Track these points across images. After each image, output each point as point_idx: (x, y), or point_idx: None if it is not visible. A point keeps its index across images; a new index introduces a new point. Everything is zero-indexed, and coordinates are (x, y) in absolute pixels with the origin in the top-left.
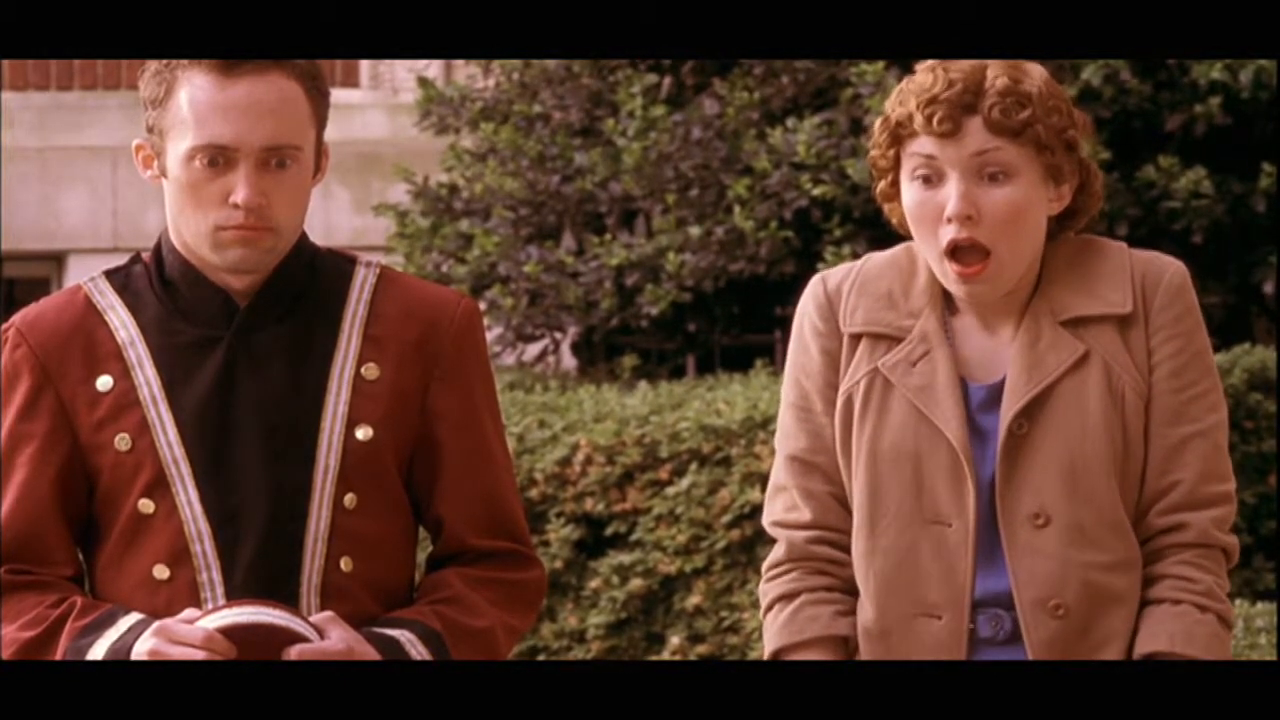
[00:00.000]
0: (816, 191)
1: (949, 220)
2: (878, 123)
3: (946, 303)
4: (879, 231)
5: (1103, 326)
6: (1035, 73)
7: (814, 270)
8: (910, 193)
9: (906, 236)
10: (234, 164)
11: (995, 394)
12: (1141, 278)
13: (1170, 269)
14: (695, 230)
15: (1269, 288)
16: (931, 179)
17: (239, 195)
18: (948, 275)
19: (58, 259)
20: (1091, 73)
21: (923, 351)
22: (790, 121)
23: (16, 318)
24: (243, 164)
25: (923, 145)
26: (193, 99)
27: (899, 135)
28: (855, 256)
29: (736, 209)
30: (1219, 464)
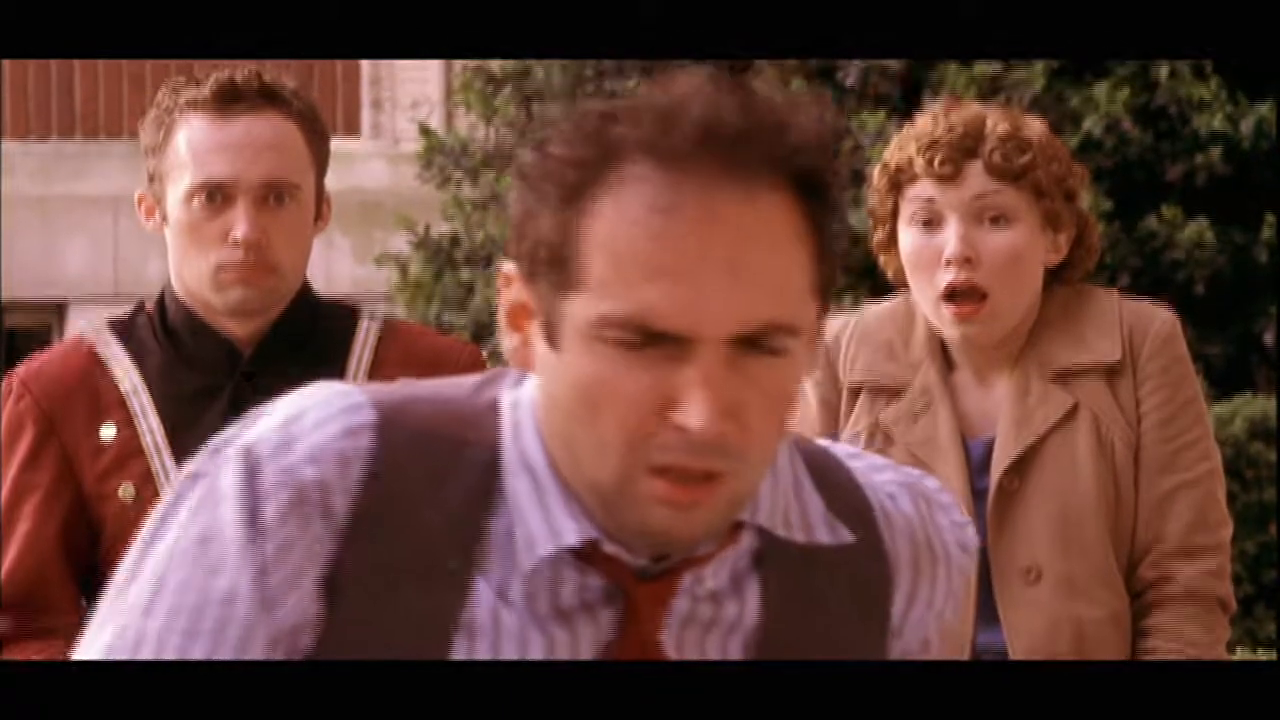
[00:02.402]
0: None
1: (948, 263)
2: (876, 170)
3: (945, 356)
4: (879, 281)
5: (1091, 377)
6: (1034, 123)
7: None
8: (909, 237)
9: (903, 288)
10: (232, 200)
11: (988, 450)
12: (1130, 327)
13: (1159, 318)
14: None
15: (1269, 338)
16: (931, 222)
17: (238, 231)
18: (943, 318)
19: (59, 308)
20: (1092, 123)
21: (924, 405)
22: None
23: (20, 369)
24: (240, 200)
25: (923, 189)
26: (190, 139)
27: (898, 181)
28: (856, 306)
29: None
30: (1210, 513)
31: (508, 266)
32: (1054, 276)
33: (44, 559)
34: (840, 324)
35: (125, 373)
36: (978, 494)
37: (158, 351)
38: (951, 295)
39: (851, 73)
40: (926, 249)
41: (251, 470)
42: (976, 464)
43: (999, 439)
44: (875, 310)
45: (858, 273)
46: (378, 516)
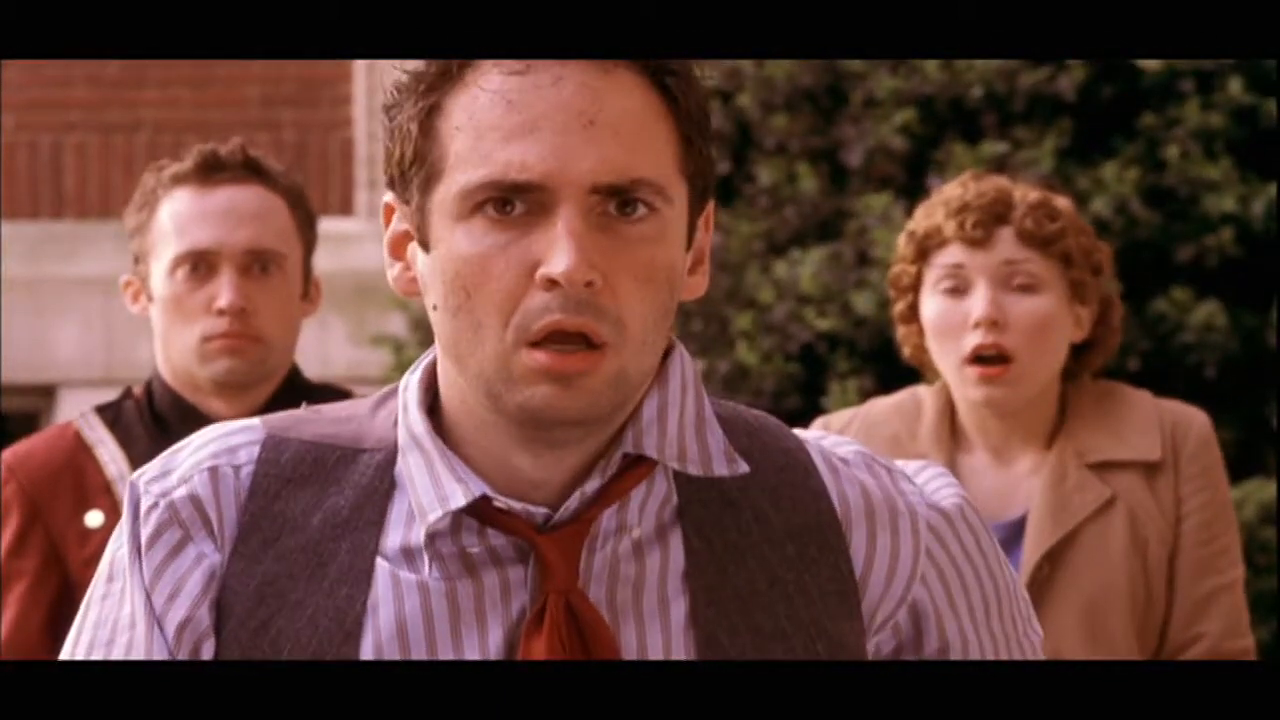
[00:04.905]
0: (822, 325)
1: (975, 326)
2: (901, 239)
3: (955, 442)
4: (885, 366)
5: (1129, 473)
6: (1060, 196)
7: (819, 405)
8: (934, 303)
9: (916, 368)
10: (216, 270)
11: (1012, 531)
12: (1171, 427)
13: (1199, 420)
14: (699, 364)
15: (1276, 422)
16: (958, 289)
17: (222, 300)
18: (966, 381)
19: (48, 392)
20: (1101, 203)
21: None
22: (795, 253)
23: (6, 454)
24: (224, 268)
25: (951, 255)
26: (174, 211)
27: (925, 248)
28: (861, 391)
29: (741, 343)
30: (1241, 618)
31: (386, 197)
32: (1076, 360)
33: (31, 646)
34: (845, 419)
35: (112, 458)
36: None
37: (145, 437)
38: (977, 358)
39: (855, 153)
40: (953, 313)
41: (135, 499)
42: None
43: (1032, 525)
44: (881, 405)
45: (864, 357)
46: (264, 527)
